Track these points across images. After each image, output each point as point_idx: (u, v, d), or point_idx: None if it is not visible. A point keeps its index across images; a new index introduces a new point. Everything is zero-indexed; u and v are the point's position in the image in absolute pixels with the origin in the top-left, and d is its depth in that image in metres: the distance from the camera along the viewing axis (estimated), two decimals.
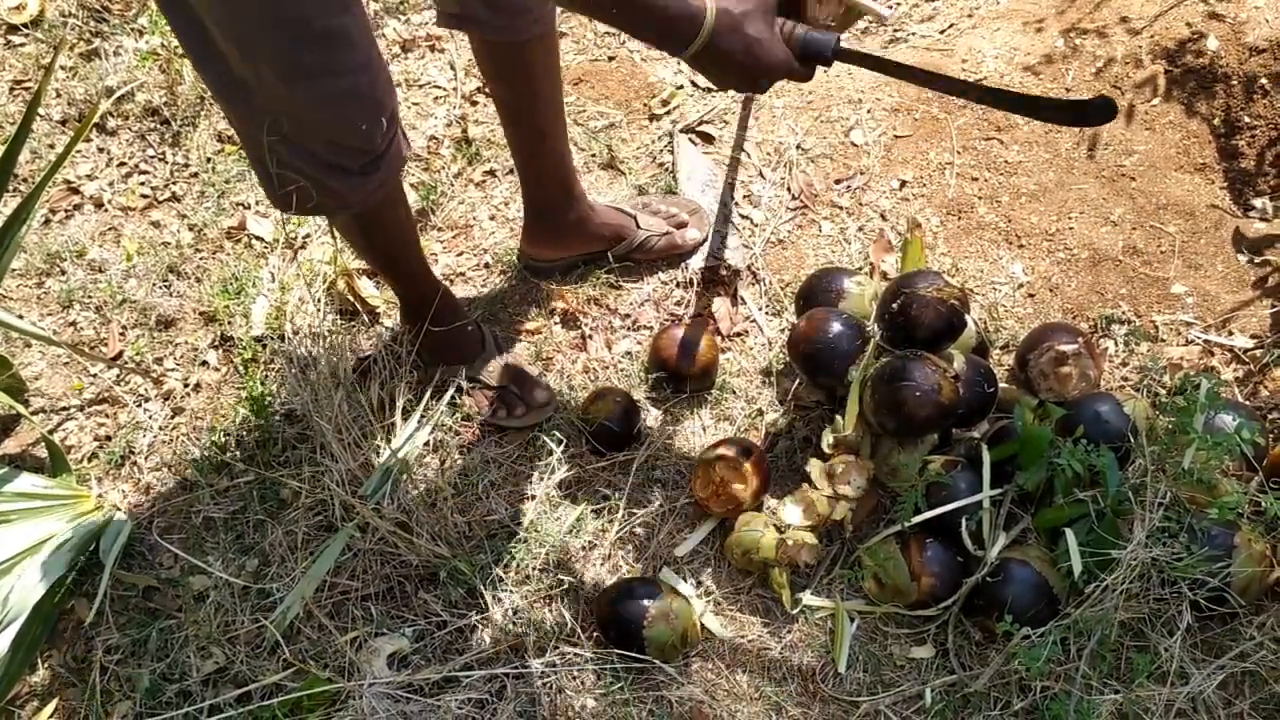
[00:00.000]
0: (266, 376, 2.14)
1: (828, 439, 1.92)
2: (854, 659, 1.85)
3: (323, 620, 1.86)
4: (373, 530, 1.89)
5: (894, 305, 1.89)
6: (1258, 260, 2.21)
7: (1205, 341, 2.13)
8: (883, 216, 2.31)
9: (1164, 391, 2.01)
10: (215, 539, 1.99)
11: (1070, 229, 2.27)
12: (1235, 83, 2.32)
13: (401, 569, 1.91)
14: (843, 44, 1.40)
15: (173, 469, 2.08)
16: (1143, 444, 1.80)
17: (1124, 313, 2.17)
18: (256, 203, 2.38)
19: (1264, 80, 2.29)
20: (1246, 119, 2.29)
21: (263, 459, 2.06)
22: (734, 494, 1.91)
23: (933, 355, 1.86)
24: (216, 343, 2.21)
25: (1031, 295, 2.21)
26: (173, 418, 2.13)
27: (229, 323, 2.21)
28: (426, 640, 1.87)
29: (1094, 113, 1.38)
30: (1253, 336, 2.12)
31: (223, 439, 2.08)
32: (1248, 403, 2.02)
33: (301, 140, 1.53)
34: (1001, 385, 2.00)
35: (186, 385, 2.17)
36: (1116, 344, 2.14)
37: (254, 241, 2.33)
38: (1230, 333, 2.14)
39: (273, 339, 2.17)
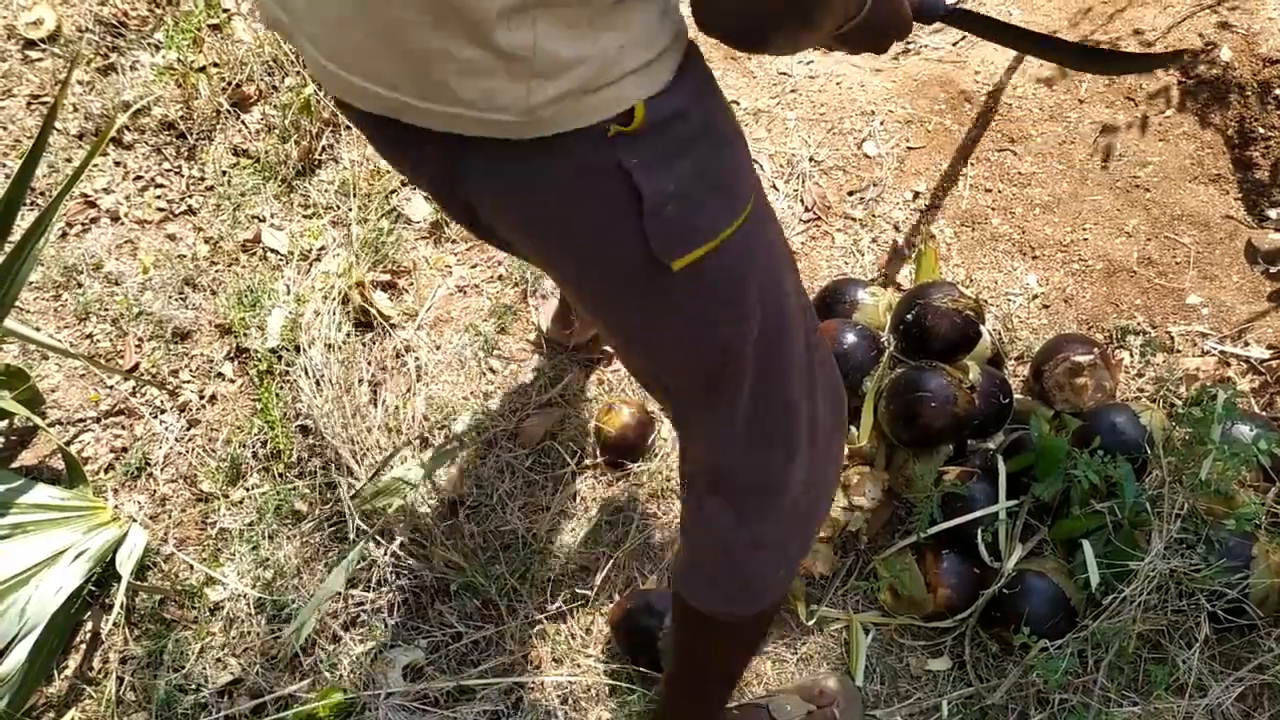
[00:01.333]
0: (282, 388, 2.15)
1: None
2: (870, 671, 1.84)
3: (338, 631, 1.86)
4: (387, 542, 1.90)
5: (909, 316, 1.89)
6: (1273, 271, 2.20)
7: (1221, 352, 2.12)
8: (896, 228, 2.31)
9: (1180, 402, 2.00)
10: (230, 550, 2.00)
11: (1084, 240, 2.26)
12: (1249, 93, 2.32)
13: (416, 581, 1.92)
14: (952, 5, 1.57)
15: (188, 480, 2.08)
16: (1159, 455, 1.80)
17: (1139, 324, 2.17)
18: (271, 215, 2.39)
19: (1278, 91, 2.29)
20: (1260, 130, 2.29)
21: (278, 471, 2.06)
22: None
23: (948, 366, 1.86)
24: (232, 355, 2.22)
25: (1046, 306, 2.21)
26: (188, 429, 2.14)
27: (244, 335, 2.22)
28: (441, 652, 1.87)
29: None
30: (1269, 347, 2.11)
31: (238, 450, 2.09)
32: (1264, 413, 2.01)
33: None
34: (1017, 396, 1.99)
35: (202, 397, 2.18)
36: (1132, 355, 2.13)
37: (269, 254, 2.34)
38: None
39: (288, 351, 2.18)
